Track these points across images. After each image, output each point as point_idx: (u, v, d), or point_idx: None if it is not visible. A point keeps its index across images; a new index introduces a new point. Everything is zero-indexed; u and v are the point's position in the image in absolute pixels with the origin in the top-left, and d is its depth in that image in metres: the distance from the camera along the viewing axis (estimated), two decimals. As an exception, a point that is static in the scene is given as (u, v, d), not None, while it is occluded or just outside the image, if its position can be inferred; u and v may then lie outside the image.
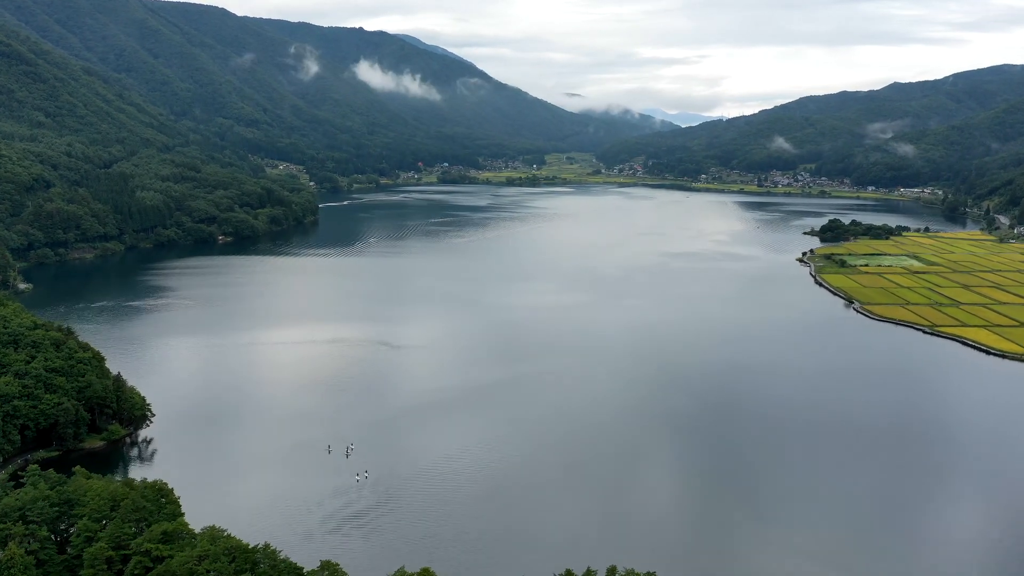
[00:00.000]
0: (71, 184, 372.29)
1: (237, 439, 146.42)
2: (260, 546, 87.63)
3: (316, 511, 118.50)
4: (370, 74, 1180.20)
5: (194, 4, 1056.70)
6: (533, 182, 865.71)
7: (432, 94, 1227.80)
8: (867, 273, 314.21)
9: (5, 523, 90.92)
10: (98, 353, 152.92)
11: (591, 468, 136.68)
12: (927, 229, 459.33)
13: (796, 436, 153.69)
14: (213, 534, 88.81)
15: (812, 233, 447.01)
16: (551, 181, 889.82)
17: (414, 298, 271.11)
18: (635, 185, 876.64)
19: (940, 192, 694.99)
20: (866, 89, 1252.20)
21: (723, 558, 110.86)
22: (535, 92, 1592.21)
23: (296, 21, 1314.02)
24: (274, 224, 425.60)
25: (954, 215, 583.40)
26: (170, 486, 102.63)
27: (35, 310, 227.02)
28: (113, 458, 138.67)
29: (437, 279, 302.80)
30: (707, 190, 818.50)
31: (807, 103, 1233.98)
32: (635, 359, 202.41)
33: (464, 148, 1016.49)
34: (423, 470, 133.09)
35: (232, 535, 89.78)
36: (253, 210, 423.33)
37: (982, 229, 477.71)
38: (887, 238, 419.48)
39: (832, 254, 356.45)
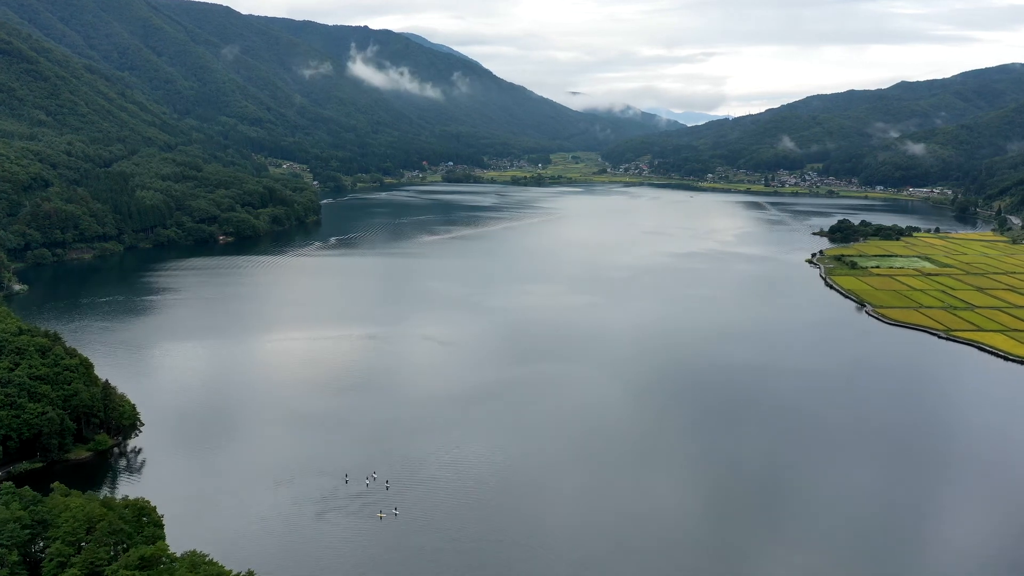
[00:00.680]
0: (70, 183, 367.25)
1: (233, 451, 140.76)
2: (243, 575, 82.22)
3: (311, 532, 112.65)
4: (375, 73, 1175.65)
5: (198, 2, 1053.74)
6: (538, 181, 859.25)
7: (437, 93, 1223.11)
8: (878, 275, 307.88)
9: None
10: (86, 359, 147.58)
11: (617, 475, 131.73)
12: (938, 230, 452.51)
13: (811, 442, 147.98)
14: (194, 560, 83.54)
15: (821, 234, 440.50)
16: (556, 180, 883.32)
17: (417, 299, 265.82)
18: (641, 185, 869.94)
19: (950, 192, 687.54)
20: (873, 88, 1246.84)
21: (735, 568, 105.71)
22: (540, 91, 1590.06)
23: (301, 19, 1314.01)
24: (275, 224, 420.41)
25: (964, 215, 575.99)
26: (153, 504, 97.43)
27: (29, 312, 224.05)
28: (99, 470, 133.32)
29: (441, 280, 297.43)
30: (714, 190, 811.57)
31: (814, 102, 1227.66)
32: (645, 362, 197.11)
33: (469, 147, 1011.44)
34: (450, 502, 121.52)
35: (215, 561, 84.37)
36: (255, 210, 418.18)
37: (994, 230, 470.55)
38: (898, 239, 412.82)
39: (842, 255, 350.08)
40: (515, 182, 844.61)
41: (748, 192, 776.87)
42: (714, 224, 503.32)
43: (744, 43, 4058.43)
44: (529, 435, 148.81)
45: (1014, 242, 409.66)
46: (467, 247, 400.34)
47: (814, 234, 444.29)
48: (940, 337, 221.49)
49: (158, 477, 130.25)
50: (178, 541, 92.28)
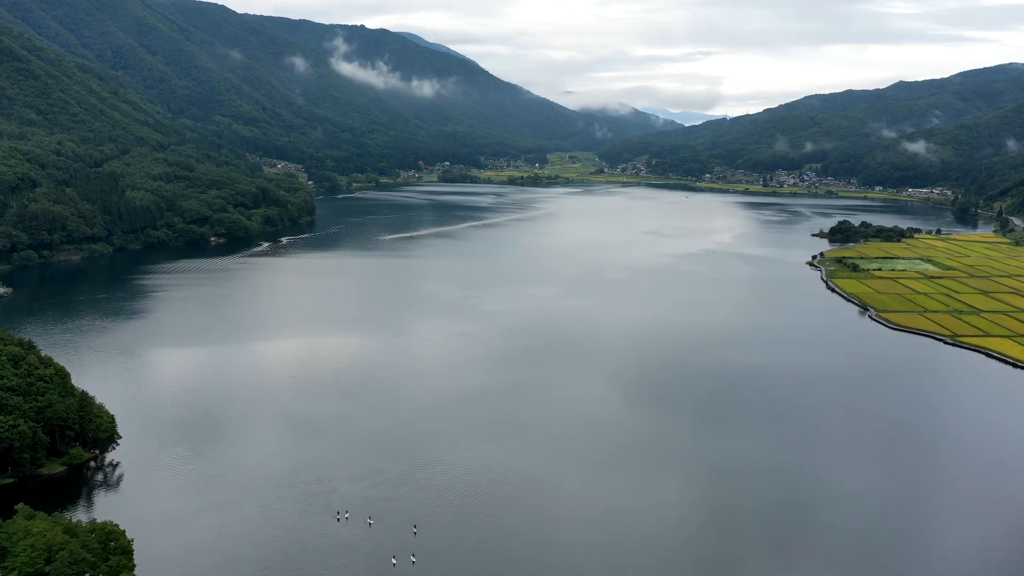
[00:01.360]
0: (59, 184, 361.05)
1: (217, 465, 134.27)
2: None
3: (297, 562, 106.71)
4: (371, 72, 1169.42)
5: (193, 1, 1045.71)
6: (535, 181, 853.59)
7: (434, 92, 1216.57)
8: (880, 278, 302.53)
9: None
10: (62, 368, 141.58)
11: (627, 487, 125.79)
12: (939, 231, 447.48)
13: (816, 450, 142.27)
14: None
15: (821, 235, 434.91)
16: (553, 180, 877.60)
17: (412, 303, 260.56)
18: (638, 185, 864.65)
19: (949, 193, 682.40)
20: (872, 88, 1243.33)
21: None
22: (537, 91, 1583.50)
23: (297, 18, 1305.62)
24: (268, 224, 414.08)
25: (965, 216, 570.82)
26: (122, 528, 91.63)
27: (10, 316, 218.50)
28: (73, 486, 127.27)
29: (436, 282, 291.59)
30: (711, 190, 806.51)
31: (812, 102, 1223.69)
32: (646, 368, 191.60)
33: (465, 147, 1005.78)
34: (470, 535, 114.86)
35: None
36: (247, 210, 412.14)
37: (995, 231, 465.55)
38: (899, 240, 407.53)
39: (843, 257, 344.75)
40: (512, 182, 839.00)
41: (746, 192, 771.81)
42: (712, 225, 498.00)
43: (741, 43, 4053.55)
44: (535, 445, 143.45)
45: (1017, 244, 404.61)
46: (463, 248, 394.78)
47: (814, 235, 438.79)
48: (946, 343, 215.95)
49: (134, 494, 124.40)
50: (149, 568, 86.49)
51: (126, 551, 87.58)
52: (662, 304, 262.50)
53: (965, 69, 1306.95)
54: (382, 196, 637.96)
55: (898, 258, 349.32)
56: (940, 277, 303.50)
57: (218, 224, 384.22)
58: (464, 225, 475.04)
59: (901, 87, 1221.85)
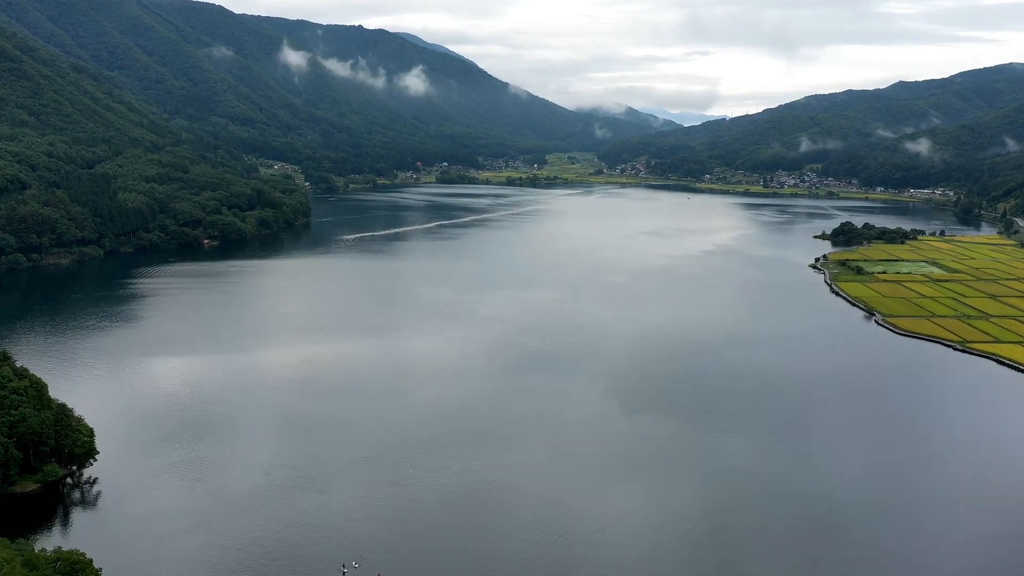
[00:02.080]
0: (49, 185, 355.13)
1: (201, 483, 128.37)
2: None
3: None
4: (369, 73, 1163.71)
5: (190, 1, 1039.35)
6: (534, 182, 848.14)
7: (432, 93, 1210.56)
8: (886, 281, 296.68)
9: None
10: (38, 380, 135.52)
11: (634, 501, 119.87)
12: (943, 233, 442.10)
13: (823, 459, 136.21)
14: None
15: (823, 237, 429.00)
16: (552, 181, 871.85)
17: (408, 308, 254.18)
18: (638, 186, 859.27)
19: (951, 193, 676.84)
20: (872, 88, 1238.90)
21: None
22: (536, 91, 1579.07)
23: (294, 19, 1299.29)
24: (263, 227, 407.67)
25: (968, 217, 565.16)
26: (91, 556, 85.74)
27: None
28: (46, 505, 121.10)
29: (433, 285, 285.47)
30: (711, 191, 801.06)
31: (812, 102, 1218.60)
32: (646, 373, 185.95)
33: (464, 147, 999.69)
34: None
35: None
36: (242, 212, 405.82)
37: (1000, 232, 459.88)
38: (903, 242, 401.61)
39: (847, 260, 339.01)
40: (510, 183, 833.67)
41: (747, 193, 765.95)
42: (713, 226, 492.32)
43: (739, 42, 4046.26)
44: (537, 455, 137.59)
45: (1022, 245, 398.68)
46: (460, 249, 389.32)
47: (815, 237, 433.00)
48: (955, 349, 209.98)
49: (110, 515, 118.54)
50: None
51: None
52: (664, 308, 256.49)
53: (965, 69, 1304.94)
54: (379, 198, 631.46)
55: (902, 260, 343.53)
56: (946, 280, 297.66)
57: (211, 226, 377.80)
58: (461, 227, 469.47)
59: (901, 87, 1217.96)
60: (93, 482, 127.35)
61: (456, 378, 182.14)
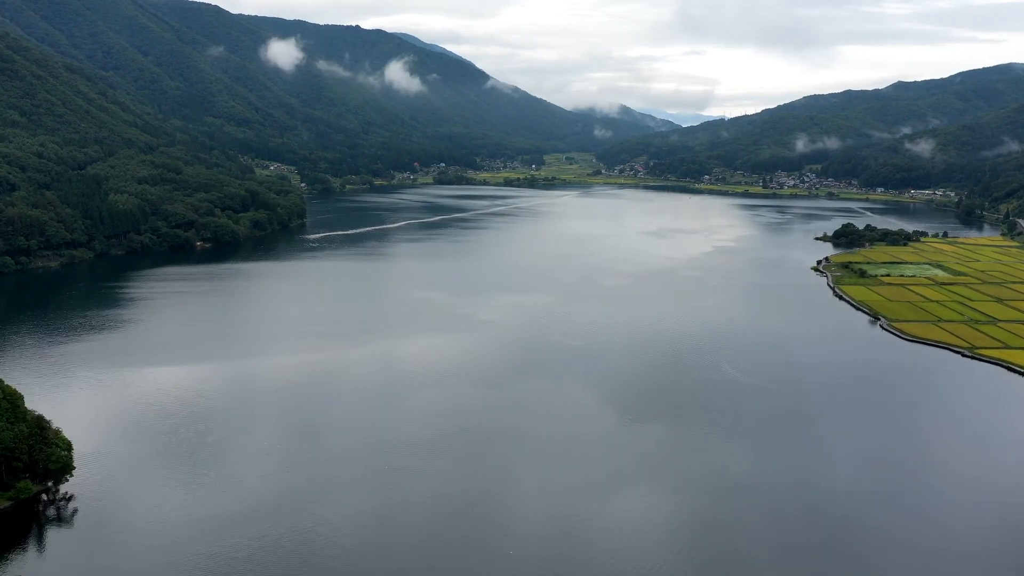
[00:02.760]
0: (39, 187, 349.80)
1: (183, 499, 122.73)
2: None
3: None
4: (366, 73, 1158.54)
5: (187, 1, 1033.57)
6: (532, 183, 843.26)
7: (429, 93, 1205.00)
8: (889, 284, 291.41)
9: None
10: (13, 391, 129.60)
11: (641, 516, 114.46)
12: (945, 234, 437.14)
13: (831, 471, 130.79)
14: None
15: (824, 238, 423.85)
16: (550, 182, 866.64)
17: (402, 312, 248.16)
18: (636, 187, 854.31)
19: (953, 194, 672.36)
20: (871, 88, 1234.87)
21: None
22: (534, 91, 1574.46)
23: (291, 19, 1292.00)
24: (257, 229, 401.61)
25: (970, 219, 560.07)
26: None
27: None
28: (17, 525, 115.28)
29: (428, 288, 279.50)
30: (711, 191, 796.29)
31: (811, 102, 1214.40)
32: (647, 380, 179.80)
33: (461, 148, 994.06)
34: None
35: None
36: (235, 214, 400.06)
37: (1003, 234, 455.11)
38: (905, 244, 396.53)
39: (849, 262, 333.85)
40: (508, 183, 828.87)
41: (746, 195, 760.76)
42: (713, 227, 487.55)
43: (738, 42, 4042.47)
44: (541, 468, 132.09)
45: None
46: (458, 250, 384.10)
47: (817, 239, 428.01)
48: (964, 355, 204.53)
49: (86, 533, 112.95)
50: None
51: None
52: (664, 312, 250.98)
53: (964, 69, 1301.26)
54: (376, 199, 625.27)
55: (906, 263, 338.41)
56: (951, 284, 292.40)
57: (204, 228, 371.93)
58: (458, 228, 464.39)
59: (900, 87, 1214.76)
60: (69, 499, 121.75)
61: (451, 385, 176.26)
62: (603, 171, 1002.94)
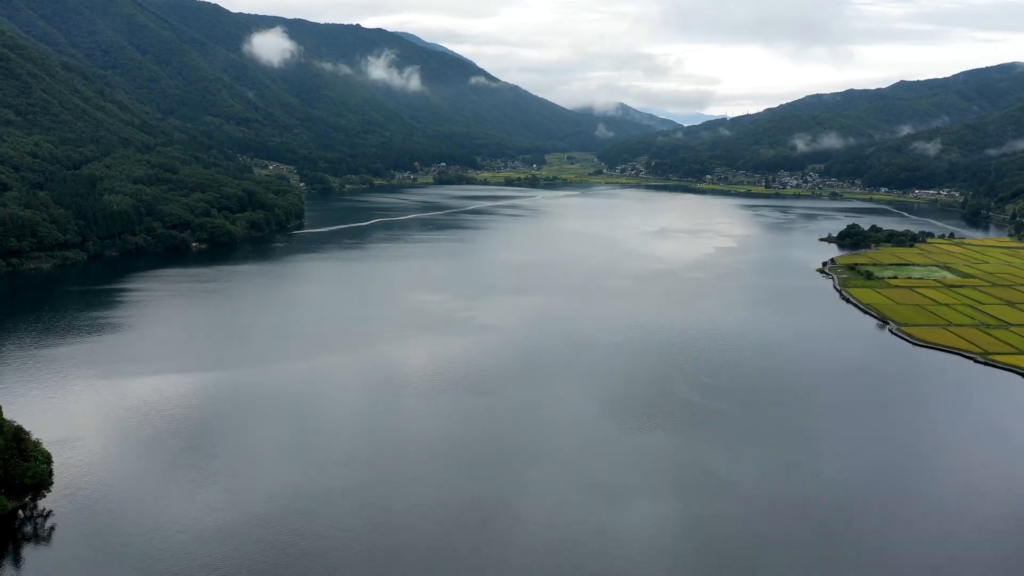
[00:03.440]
0: (32, 187, 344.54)
1: (168, 515, 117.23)
2: None
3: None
4: (367, 72, 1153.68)
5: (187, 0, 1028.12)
6: (533, 183, 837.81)
7: (430, 92, 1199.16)
8: (897, 287, 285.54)
9: None
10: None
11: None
12: (952, 235, 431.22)
13: (849, 484, 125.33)
14: None
15: (829, 239, 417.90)
16: (551, 182, 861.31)
17: (399, 316, 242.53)
18: (638, 186, 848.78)
19: (957, 194, 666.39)
20: (873, 87, 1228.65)
21: None
22: (534, 90, 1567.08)
23: (292, 18, 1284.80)
24: (253, 229, 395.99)
25: (976, 219, 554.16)
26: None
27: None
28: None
29: (427, 291, 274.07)
30: (713, 191, 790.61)
31: (813, 102, 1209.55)
32: (649, 386, 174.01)
33: (462, 147, 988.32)
34: None
35: None
36: (232, 214, 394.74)
37: (1010, 235, 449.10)
38: (911, 245, 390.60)
39: (855, 264, 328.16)
40: (509, 183, 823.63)
41: (749, 195, 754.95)
42: (715, 228, 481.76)
43: (738, 41, 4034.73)
44: (543, 477, 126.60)
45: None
46: (456, 252, 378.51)
47: (821, 239, 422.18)
48: (977, 361, 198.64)
49: (64, 551, 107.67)
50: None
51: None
52: (667, 316, 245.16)
53: (966, 69, 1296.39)
54: (376, 199, 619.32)
55: (913, 265, 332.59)
56: (960, 286, 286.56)
57: (200, 229, 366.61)
58: (458, 229, 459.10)
59: (903, 86, 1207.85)
60: (47, 515, 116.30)
61: (448, 392, 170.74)
62: (604, 171, 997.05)
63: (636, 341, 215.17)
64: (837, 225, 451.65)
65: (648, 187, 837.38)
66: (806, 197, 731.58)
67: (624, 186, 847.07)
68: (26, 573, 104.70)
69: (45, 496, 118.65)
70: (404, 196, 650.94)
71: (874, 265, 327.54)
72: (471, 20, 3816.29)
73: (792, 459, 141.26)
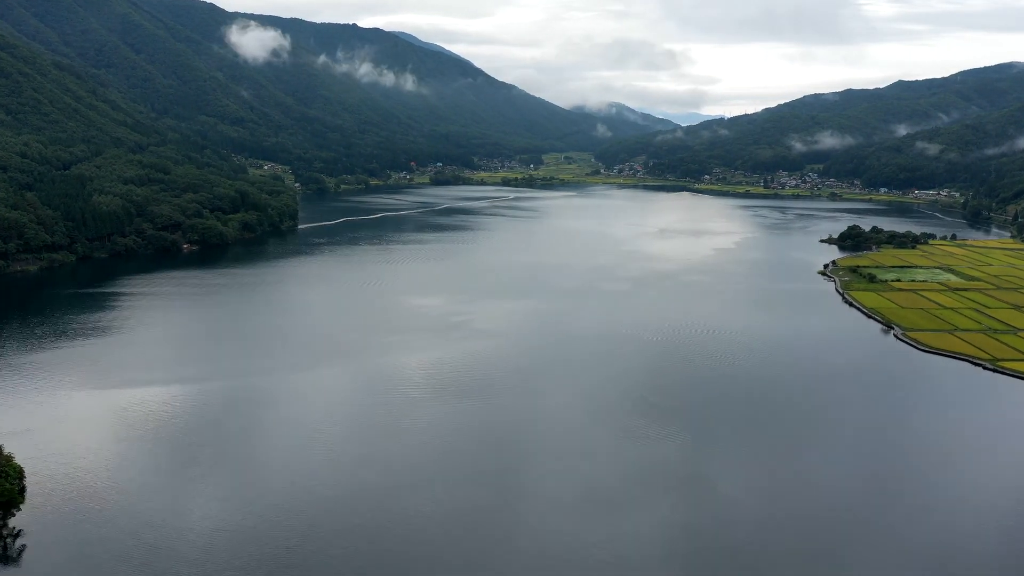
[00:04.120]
0: (20, 188, 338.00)
1: (147, 534, 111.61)
2: None
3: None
4: (363, 71, 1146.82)
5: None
6: (530, 183, 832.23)
7: (427, 92, 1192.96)
8: (900, 290, 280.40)
9: None
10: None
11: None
12: (954, 236, 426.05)
13: (855, 492, 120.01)
14: None
15: (830, 241, 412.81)
16: (549, 182, 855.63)
17: (393, 321, 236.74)
18: (636, 187, 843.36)
19: (958, 195, 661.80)
20: (871, 87, 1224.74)
21: None
22: (532, 90, 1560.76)
23: (288, 17, 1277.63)
24: (246, 230, 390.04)
25: (977, 220, 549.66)
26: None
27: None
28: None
29: (420, 294, 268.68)
30: (711, 192, 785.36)
31: (811, 101, 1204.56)
32: (649, 392, 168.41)
33: (459, 147, 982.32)
34: None
35: None
36: (224, 215, 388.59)
37: (1012, 236, 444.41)
38: (913, 247, 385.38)
39: (857, 266, 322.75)
40: (506, 183, 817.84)
41: (748, 195, 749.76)
42: (715, 228, 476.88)
43: (735, 41, 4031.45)
44: (540, 484, 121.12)
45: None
46: (451, 254, 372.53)
47: (822, 241, 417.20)
48: (986, 368, 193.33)
49: (34, 572, 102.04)
50: None
51: None
52: (666, 320, 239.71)
53: (965, 68, 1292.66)
54: (371, 200, 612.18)
55: (916, 267, 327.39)
56: (965, 289, 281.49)
57: (191, 230, 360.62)
58: (456, 231, 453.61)
59: (902, 86, 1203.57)
60: (17, 534, 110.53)
61: (446, 398, 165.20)
62: (602, 171, 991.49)
63: (635, 346, 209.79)
64: (837, 226, 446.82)
65: (646, 187, 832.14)
66: (805, 197, 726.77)
67: (622, 186, 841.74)
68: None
69: (14, 516, 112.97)
70: (400, 197, 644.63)
71: (876, 267, 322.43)
72: (467, 20, 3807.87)
73: (799, 468, 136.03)
